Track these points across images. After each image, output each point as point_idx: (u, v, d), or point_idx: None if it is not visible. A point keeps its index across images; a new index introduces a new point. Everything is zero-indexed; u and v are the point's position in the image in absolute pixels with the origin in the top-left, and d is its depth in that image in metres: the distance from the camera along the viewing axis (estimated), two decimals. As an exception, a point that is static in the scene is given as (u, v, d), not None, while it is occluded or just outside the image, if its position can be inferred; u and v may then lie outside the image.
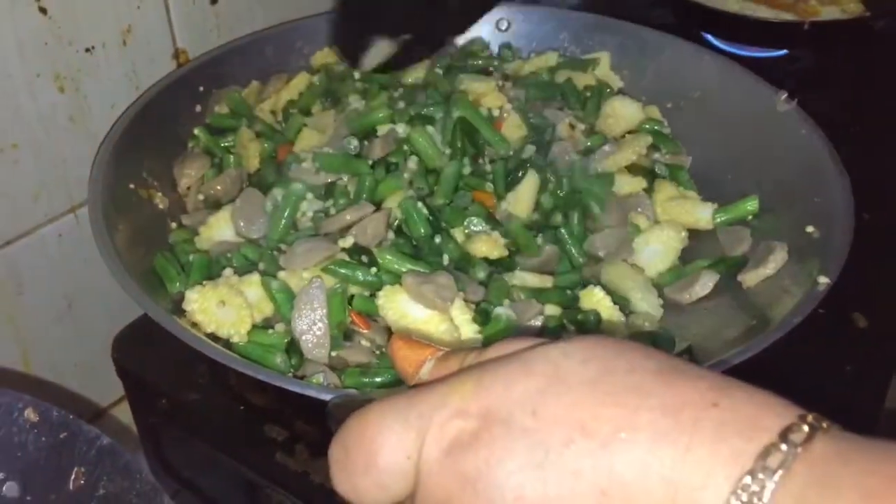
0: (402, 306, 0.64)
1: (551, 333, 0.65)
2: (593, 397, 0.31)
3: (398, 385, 0.61)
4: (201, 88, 0.84)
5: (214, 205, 0.77)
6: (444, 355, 0.39)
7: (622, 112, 0.85)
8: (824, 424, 0.30)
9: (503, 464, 0.31)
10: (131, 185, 0.75)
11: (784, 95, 0.79)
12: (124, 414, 0.89)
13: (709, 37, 1.15)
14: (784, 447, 0.29)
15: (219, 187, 0.78)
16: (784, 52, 1.15)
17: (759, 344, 0.57)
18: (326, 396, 0.54)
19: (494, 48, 0.95)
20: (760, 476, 0.28)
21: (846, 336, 0.77)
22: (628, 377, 0.32)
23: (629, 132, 0.85)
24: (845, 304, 0.74)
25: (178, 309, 0.66)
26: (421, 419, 0.34)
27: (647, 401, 0.31)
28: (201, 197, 0.78)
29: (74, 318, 0.84)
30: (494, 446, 0.32)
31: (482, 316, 0.65)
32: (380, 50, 0.79)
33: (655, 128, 0.86)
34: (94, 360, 0.85)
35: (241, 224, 0.73)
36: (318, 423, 0.66)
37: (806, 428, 0.29)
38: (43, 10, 0.71)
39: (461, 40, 0.94)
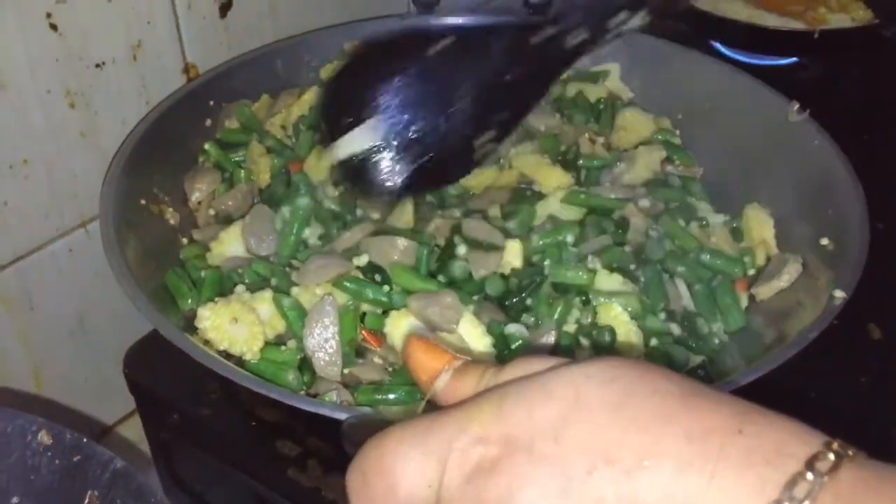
0: (409, 331, 0.64)
1: (565, 351, 0.65)
2: (616, 423, 0.31)
3: (412, 402, 0.61)
4: (211, 103, 0.84)
5: (225, 220, 0.77)
6: (461, 367, 0.38)
7: (634, 124, 0.85)
8: (850, 452, 0.29)
9: (525, 491, 0.31)
10: (142, 201, 0.75)
11: (796, 106, 0.79)
12: (135, 429, 0.89)
13: (718, 45, 1.15)
14: (810, 476, 0.28)
15: (230, 202, 0.78)
16: (794, 60, 1.15)
17: (775, 360, 0.57)
18: (340, 415, 0.54)
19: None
20: None
21: (861, 347, 0.76)
22: (651, 401, 0.32)
23: (641, 144, 0.85)
24: (860, 315, 0.74)
25: (189, 325, 0.66)
26: (441, 446, 0.33)
27: (671, 427, 0.30)
28: (212, 212, 0.78)
29: (85, 332, 0.84)
30: (516, 473, 0.31)
31: (497, 338, 0.64)
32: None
33: (668, 139, 0.85)
34: (106, 374, 0.85)
35: (252, 241, 0.72)
36: (330, 440, 0.66)
37: (832, 456, 0.29)
38: (53, 27, 0.71)
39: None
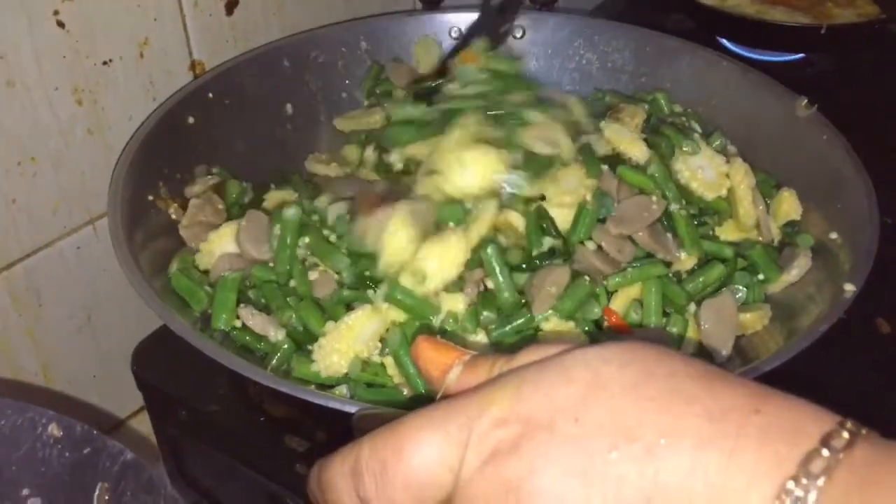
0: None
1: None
2: (636, 403, 0.31)
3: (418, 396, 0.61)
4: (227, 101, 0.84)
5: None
6: (471, 359, 0.39)
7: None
8: (863, 431, 0.30)
9: (547, 470, 0.31)
10: (150, 197, 0.75)
11: (804, 101, 0.79)
12: (143, 425, 0.89)
13: (724, 41, 1.15)
14: (826, 453, 0.29)
15: (220, 206, 0.78)
16: (801, 55, 1.15)
17: (786, 353, 0.57)
18: (350, 408, 0.54)
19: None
20: (804, 481, 0.28)
21: (870, 342, 0.76)
22: (669, 381, 0.32)
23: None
24: (869, 309, 0.74)
25: (198, 321, 0.66)
26: (461, 431, 0.33)
27: (691, 406, 0.31)
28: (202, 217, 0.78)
29: (93, 329, 0.84)
30: (537, 453, 0.31)
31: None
32: None
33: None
34: (114, 371, 0.85)
35: (249, 246, 0.71)
36: (339, 434, 0.65)
37: (846, 434, 0.29)
38: (61, 24, 0.71)
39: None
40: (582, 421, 0.31)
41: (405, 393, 0.63)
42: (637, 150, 0.75)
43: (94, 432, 0.45)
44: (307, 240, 0.70)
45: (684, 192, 0.74)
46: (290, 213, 0.71)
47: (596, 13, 1.25)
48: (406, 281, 0.64)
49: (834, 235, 0.69)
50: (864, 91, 1.10)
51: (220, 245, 0.72)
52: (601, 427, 0.31)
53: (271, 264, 0.71)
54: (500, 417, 0.33)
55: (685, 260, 0.70)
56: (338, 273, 0.68)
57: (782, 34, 1.10)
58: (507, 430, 0.33)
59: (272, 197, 0.80)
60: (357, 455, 0.36)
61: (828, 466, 0.29)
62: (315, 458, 0.65)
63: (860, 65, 1.16)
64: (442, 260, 0.63)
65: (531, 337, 0.64)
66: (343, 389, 0.62)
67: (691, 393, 0.31)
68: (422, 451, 0.34)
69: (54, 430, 0.44)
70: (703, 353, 0.65)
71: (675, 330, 0.66)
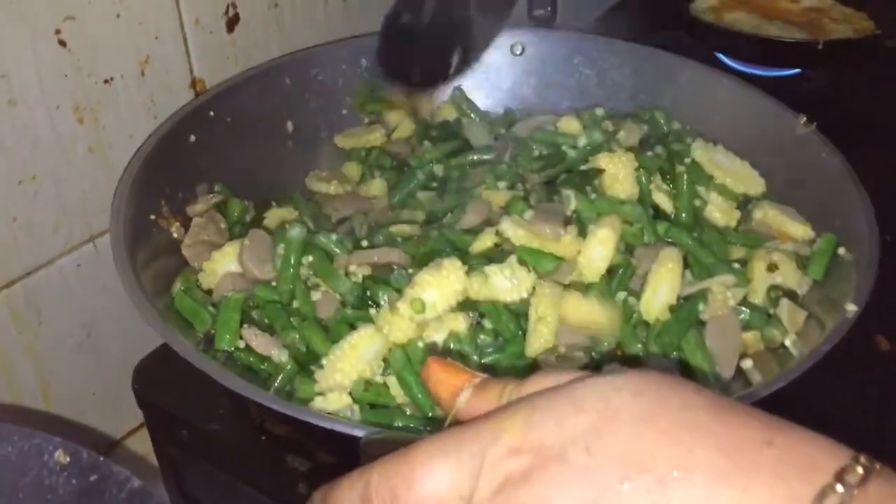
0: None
1: (594, 367, 0.65)
2: (648, 434, 0.31)
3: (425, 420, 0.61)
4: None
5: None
6: (481, 383, 0.39)
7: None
8: (877, 465, 0.30)
9: (558, 501, 0.31)
10: (151, 216, 0.75)
11: (803, 119, 0.79)
12: (144, 442, 0.89)
13: (721, 56, 1.16)
14: (840, 489, 0.29)
15: (222, 226, 0.78)
16: (797, 71, 1.15)
17: (789, 375, 0.57)
18: (356, 432, 0.54)
19: (510, 73, 0.95)
20: None
21: (869, 359, 0.76)
22: (683, 413, 0.32)
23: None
24: (868, 326, 0.74)
25: (201, 341, 0.66)
26: (472, 459, 0.33)
27: (704, 439, 0.31)
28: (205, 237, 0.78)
29: (94, 347, 0.84)
30: (549, 483, 0.31)
31: None
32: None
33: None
34: (114, 389, 0.84)
35: (251, 266, 0.71)
36: (341, 455, 0.66)
37: (860, 469, 0.29)
38: (62, 43, 0.71)
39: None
40: (593, 451, 0.31)
41: (408, 413, 0.63)
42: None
43: (101, 459, 0.45)
44: (310, 259, 0.70)
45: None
46: (295, 232, 0.70)
47: (592, 29, 1.25)
48: (404, 311, 0.63)
49: (842, 251, 0.70)
50: (859, 106, 1.11)
51: (224, 264, 0.72)
52: (613, 457, 0.31)
53: (274, 283, 0.71)
54: (513, 446, 0.33)
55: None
56: (340, 295, 0.68)
57: (780, 50, 1.11)
58: (519, 459, 0.32)
59: (273, 215, 0.80)
60: (367, 482, 0.35)
61: (842, 502, 0.28)
62: (317, 478, 0.65)
63: (855, 80, 1.16)
64: (441, 290, 0.63)
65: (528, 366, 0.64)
66: (348, 413, 0.62)
67: (704, 425, 0.31)
68: (433, 478, 0.34)
69: (61, 456, 0.44)
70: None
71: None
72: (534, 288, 0.66)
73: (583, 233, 0.69)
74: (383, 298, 0.66)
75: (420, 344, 0.63)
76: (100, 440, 0.88)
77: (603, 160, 0.76)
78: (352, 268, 0.70)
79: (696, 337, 0.65)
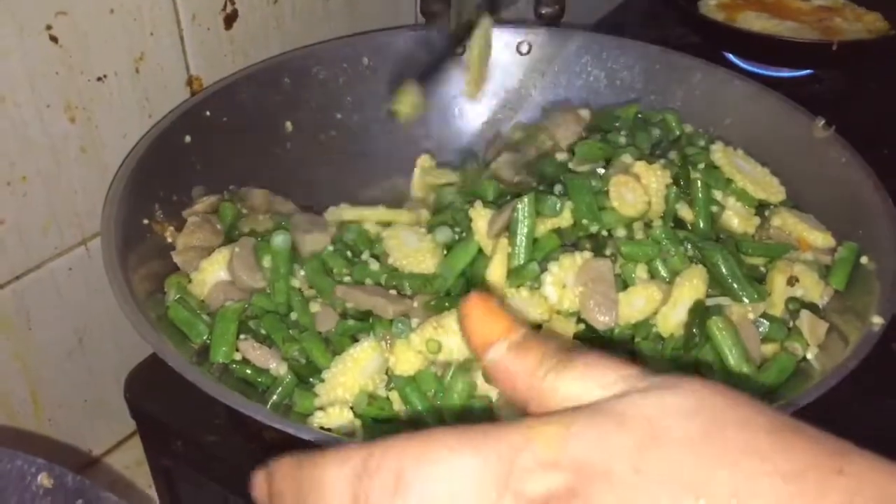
0: None
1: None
2: (702, 457, 0.28)
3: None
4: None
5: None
6: (520, 341, 0.34)
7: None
8: None
9: None
10: (144, 220, 0.72)
11: (822, 122, 0.76)
12: (136, 451, 0.86)
13: (732, 57, 1.13)
14: None
15: (218, 226, 0.76)
16: (809, 71, 1.13)
17: (814, 391, 0.54)
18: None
19: (516, 73, 0.93)
20: None
21: (888, 368, 0.74)
22: (740, 434, 0.29)
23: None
24: (886, 334, 0.72)
25: (195, 353, 0.64)
26: (501, 461, 0.29)
27: (764, 464, 0.28)
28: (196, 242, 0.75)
29: (85, 353, 0.82)
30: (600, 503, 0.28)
31: None
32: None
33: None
34: (106, 396, 0.82)
35: (242, 274, 0.68)
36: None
37: None
38: (54, 39, 0.69)
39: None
40: (643, 472, 0.28)
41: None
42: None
43: (87, 482, 0.42)
44: (303, 272, 0.68)
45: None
46: (279, 240, 0.68)
47: (598, 27, 1.23)
48: (417, 345, 0.61)
49: (864, 260, 0.67)
50: (873, 107, 1.09)
51: (213, 273, 0.69)
52: (664, 479, 0.28)
53: (268, 290, 0.68)
54: (549, 459, 0.29)
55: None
56: (338, 307, 0.66)
57: (793, 50, 1.08)
58: (559, 476, 0.29)
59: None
60: (366, 455, 0.30)
61: None
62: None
63: (868, 80, 1.14)
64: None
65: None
66: (353, 426, 0.60)
67: (765, 448, 0.28)
68: (452, 470, 0.29)
69: (45, 480, 0.41)
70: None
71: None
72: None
73: (630, 280, 0.66)
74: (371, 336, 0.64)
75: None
76: (91, 450, 0.85)
77: (640, 168, 0.71)
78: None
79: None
